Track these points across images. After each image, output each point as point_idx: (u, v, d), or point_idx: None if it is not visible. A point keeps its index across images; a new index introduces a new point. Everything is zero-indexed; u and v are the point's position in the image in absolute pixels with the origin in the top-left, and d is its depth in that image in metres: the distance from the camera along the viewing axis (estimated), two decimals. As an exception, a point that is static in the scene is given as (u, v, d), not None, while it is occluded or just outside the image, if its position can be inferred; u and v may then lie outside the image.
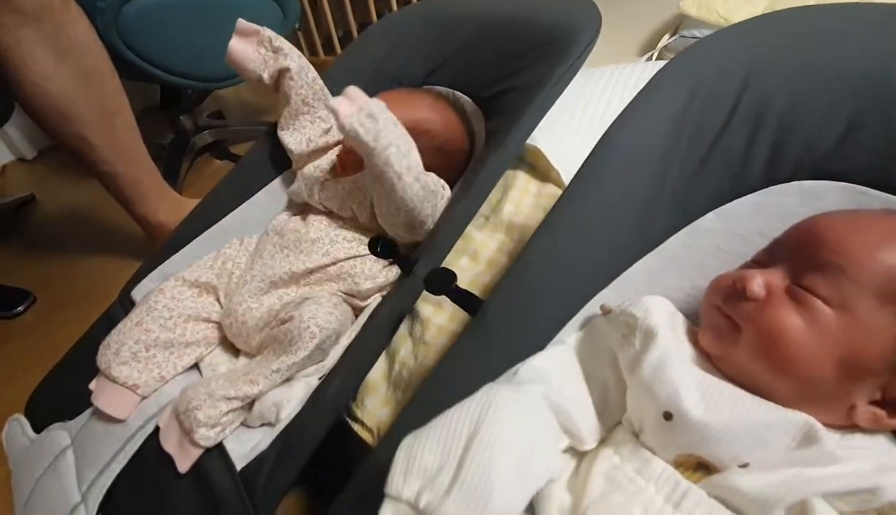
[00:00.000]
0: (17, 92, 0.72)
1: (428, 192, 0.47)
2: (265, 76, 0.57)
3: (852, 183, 0.36)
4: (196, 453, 0.41)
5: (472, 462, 0.26)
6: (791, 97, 0.38)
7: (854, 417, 0.27)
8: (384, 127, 0.44)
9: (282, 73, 0.57)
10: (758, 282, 0.30)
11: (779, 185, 0.38)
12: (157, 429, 0.45)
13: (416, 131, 0.54)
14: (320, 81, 0.59)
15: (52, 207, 1.31)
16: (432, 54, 0.63)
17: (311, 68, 0.59)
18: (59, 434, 0.51)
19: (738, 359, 0.30)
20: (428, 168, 0.55)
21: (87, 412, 0.50)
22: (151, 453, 0.43)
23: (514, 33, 0.55)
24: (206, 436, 0.40)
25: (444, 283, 0.38)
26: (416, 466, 0.27)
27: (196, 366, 0.51)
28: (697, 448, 0.28)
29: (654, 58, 1.23)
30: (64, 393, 0.54)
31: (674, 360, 0.29)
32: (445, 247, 0.43)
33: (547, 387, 0.31)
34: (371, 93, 0.49)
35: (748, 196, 0.39)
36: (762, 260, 0.33)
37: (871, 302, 0.27)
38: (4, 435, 0.57)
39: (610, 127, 0.40)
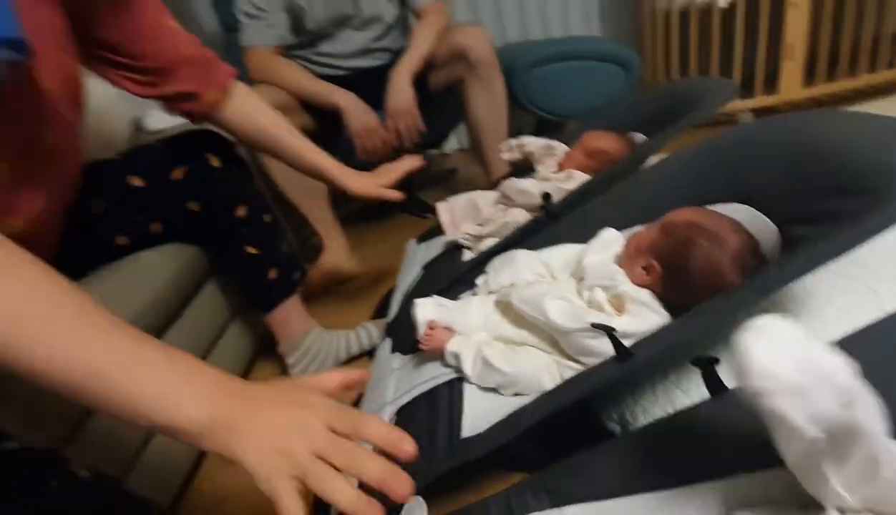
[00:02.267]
0: (465, 117, 1.55)
1: None
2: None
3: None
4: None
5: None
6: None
7: (636, 277, 0.63)
8: None
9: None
10: None
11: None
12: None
13: (597, 151, 1.01)
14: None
15: (465, 179, 2.32)
16: (642, 119, 1.07)
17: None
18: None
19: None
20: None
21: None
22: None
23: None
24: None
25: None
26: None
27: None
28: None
29: None
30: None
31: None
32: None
33: (543, 255, 0.78)
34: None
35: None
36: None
37: (657, 228, 0.63)
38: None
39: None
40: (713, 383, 0.44)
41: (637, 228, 0.74)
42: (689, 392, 0.55)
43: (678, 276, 0.60)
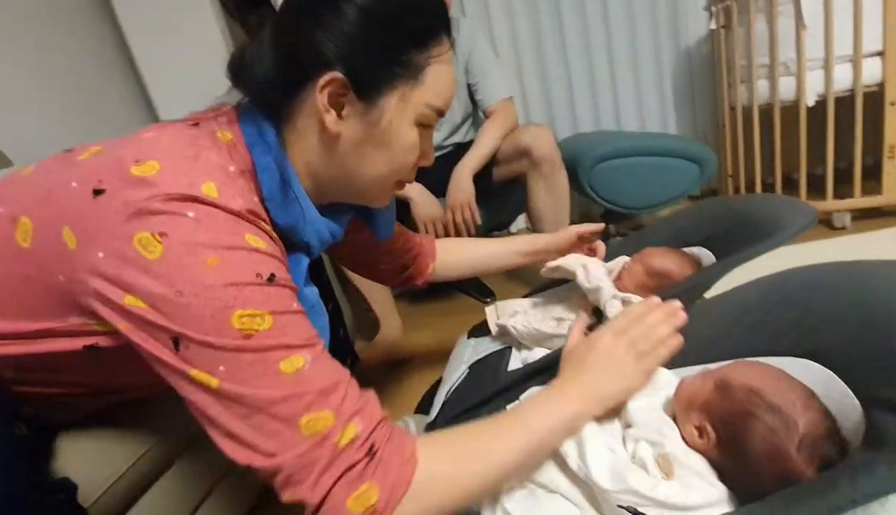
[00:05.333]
0: (526, 208, 1.57)
1: None
2: None
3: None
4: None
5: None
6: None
7: (688, 435, 0.57)
8: None
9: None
10: None
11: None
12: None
13: (660, 272, 0.96)
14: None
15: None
16: (707, 233, 1.01)
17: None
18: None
19: None
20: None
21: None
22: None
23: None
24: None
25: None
26: None
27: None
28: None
29: None
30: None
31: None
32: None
33: None
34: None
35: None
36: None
37: (712, 383, 0.57)
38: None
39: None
40: None
41: (692, 370, 0.69)
42: None
43: (735, 451, 0.53)
